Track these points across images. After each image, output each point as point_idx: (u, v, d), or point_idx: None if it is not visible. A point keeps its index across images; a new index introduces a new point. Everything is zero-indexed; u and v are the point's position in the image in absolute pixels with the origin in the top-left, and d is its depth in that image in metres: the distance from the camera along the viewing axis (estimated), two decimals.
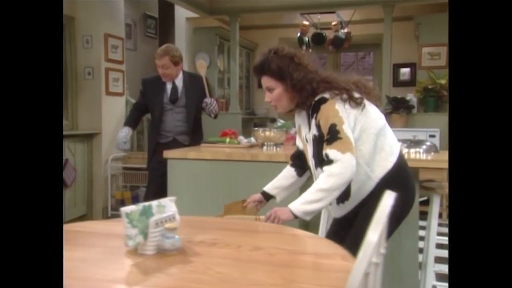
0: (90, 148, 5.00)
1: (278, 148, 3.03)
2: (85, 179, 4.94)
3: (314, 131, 1.84)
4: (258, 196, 2.08)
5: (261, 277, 1.13)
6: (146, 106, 3.66)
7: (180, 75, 3.56)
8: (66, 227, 1.63)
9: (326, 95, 1.81)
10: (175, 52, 3.48)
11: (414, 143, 2.70)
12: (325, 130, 1.78)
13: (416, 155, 2.58)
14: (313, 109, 1.83)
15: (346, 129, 1.77)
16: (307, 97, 1.84)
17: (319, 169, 1.85)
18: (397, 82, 7.05)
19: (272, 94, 1.91)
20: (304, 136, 1.95)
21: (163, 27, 7.19)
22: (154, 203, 1.37)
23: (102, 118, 4.98)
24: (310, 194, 1.76)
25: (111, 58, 5.02)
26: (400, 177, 1.88)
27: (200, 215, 2.00)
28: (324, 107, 1.80)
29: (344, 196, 1.83)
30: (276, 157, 2.66)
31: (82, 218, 4.92)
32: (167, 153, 2.85)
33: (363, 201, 1.86)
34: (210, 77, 6.75)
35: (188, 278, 1.14)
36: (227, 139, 3.24)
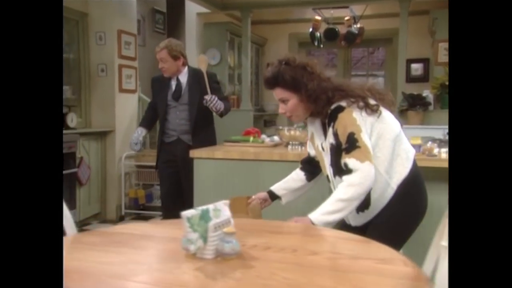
0: (103, 146, 5.03)
1: (303, 147, 3.05)
2: (99, 177, 4.97)
3: (331, 139, 1.85)
4: (264, 194, 2.13)
5: (328, 282, 1.16)
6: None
7: (185, 71, 3.52)
8: (114, 229, 1.67)
9: (343, 104, 1.82)
10: (174, 46, 3.43)
11: (444, 142, 2.70)
12: (343, 139, 1.79)
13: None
14: (330, 118, 1.84)
15: (364, 137, 1.78)
16: (323, 106, 1.84)
17: (337, 177, 1.86)
18: (409, 78, 7.06)
19: (287, 105, 1.89)
20: (320, 145, 1.96)
21: (171, 22, 7.20)
22: (210, 207, 1.39)
23: (116, 116, 5.01)
24: (330, 204, 1.77)
25: (124, 54, 5.04)
26: (416, 183, 1.91)
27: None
28: (341, 116, 1.81)
29: (364, 204, 1.83)
30: (304, 156, 2.68)
31: (96, 216, 4.96)
32: (193, 153, 2.88)
33: (384, 209, 1.87)
34: (221, 74, 6.78)
35: (256, 283, 1.16)
36: (251, 138, 3.27)
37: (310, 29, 6.76)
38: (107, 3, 4.89)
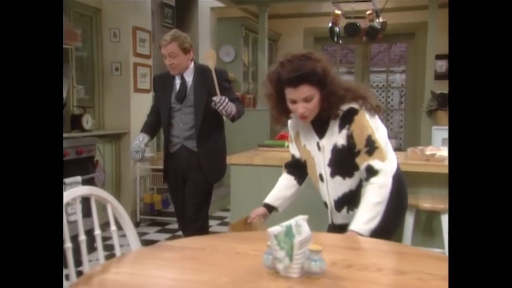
0: (118, 148, 5.02)
1: None
2: (113, 181, 4.97)
3: (341, 140, 1.93)
4: (262, 209, 2.15)
5: None
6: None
7: (191, 68, 3.16)
8: (180, 243, 1.67)
9: (355, 106, 1.91)
10: (184, 38, 3.08)
11: None
12: (360, 141, 1.89)
13: None
14: (345, 120, 1.91)
15: (379, 137, 1.92)
16: (337, 105, 1.90)
17: (338, 177, 1.97)
18: (434, 75, 7.06)
19: (310, 104, 1.86)
20: (313, 144, 2.01)
21: (180, 16, 7.19)
22: (292, 223, 1.40)
23: (131, 117, 5.00)
24: (369, 211, 1.85)
25: (139, 52, 5.04)
26: (402, 182, 2.08)
27: (268, 226, 2.02)
28: (357, 119, 1.90)
29: (356, 204, 1.95)
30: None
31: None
32: (231, 159, 2.88)
33: None
34: (236, 71, 6.78)
35: None
36: (286, 143, 3.26)
37: (330, 24, 6.74)
38: None
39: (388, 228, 1.93)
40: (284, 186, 2.19)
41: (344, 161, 1.95)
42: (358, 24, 6.66)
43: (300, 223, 1.43)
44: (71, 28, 3.92)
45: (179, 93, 3.14)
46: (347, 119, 1.90)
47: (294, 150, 2.19)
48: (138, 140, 3.26)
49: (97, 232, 1.70)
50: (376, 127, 1.94)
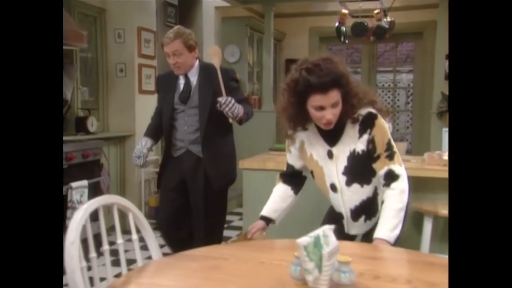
0: (122, 151, 5.02)
1: None
2: (118, 185, 4.97)
3: (360, 145, 1.93)
4: (261, 223, 2.11)
5: None
6: None
7: (196, 67, 3.03)
8: (201, 252, 1.67)
9: (373, 110, 1.93)
10: (189, 35, 2.95)
11: None
12: (381, 146, 1.91)
13: None
14: (366, 124, 1.92)
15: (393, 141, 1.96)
16: (357, 108, 1.91)
17: (355, 185, 1.97)
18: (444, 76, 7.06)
19: (336, 109, 1.85)
20: (326, 152, 1.98)
21: (183, 15, 7.19)
22: (320, 233, 1.40)
23: (135, 119, 5.00)
24: (393, 217, 1.86)
25: (144, 53, 5.04)
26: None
27: (282, 234, 2.05)
28: (378, 123, 1.92)
29: (373, 212, 1.99)
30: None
31: (114, 227, 4.95)
32: (243, 163, 2.87)
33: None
34: (241, 72, 6.77)
35: None
36: None
37: (337, 24, 6.74)
38: None
39: (401, 235, 1.94)
40: (280, 198, 2.17)
41: (362, 168, 1.95)
42: (365, 24, 6.65)
43: (327, 233, 1.43)
44: (77, 29, 3.93)
45: (182, 93, 3.00)
46: (368, 123, 1.91)
47: (293, 160, 2.14)
48: (141, 144, 3.12)
49: (120, 241, 1.70)
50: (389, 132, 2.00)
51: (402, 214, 1.88)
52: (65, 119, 4.29)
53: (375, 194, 2.00)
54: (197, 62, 3.04)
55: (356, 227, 2.08)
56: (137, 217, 1.74)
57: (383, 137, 1.92)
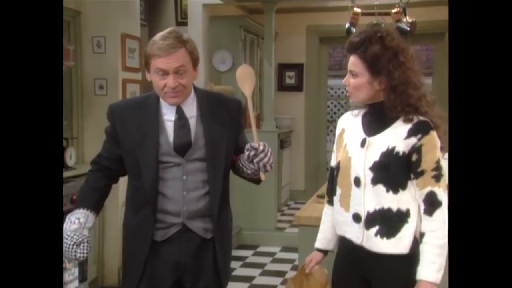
0: None
1: None
2: (96, 231, 4.85)
3: (402, 145, 2.05)
4: (319, 255, 2.36)
5: None
6: (120, 164, 2.41)
7: (192, 94, 2.39)
8: None
9: (430, 122, 2.06)
10: (192, 42, 2.32)
11: None
12: (429, 161, 2.03)
13: None
14: (420, 128, 2.05)
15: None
16: (408, 105, 2.05)
17: (380, 186, 2.06)
18: None
19: (353, 80, 2.11)
20: (360, 141, 2.13)
21: (153, 10, 7.11)
22: None
23: None
24: (438, 255, 1.99)
25: (129, 66, 4.97)
26: None
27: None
28: (434, 136, 2.05)
29: (390, 230, 2.08)
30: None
31: (92, 284, 4.85)
32: (299, 219, 2.84)
33: None
34: (234, 83, 6.74)
35: None
36: None
37: (347, 25, 6.83)
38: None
39: None
40: (329, 223, 2.33)
41: (393, 171, 2.05)
42: (382, 25, 6.77)
43: None
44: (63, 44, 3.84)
45: (178, 137, 2.32)
46: (423, 129, 2.04)
47: (333, 158, 2.33)
48: (77, 222, 2.29)
49: None
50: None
51: (446, 250, 1.97)
52: None
53: (399, 212, 2.06)
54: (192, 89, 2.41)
55: (364, 239, 2.13)
56: None
57: (433, 153, 2.04)
